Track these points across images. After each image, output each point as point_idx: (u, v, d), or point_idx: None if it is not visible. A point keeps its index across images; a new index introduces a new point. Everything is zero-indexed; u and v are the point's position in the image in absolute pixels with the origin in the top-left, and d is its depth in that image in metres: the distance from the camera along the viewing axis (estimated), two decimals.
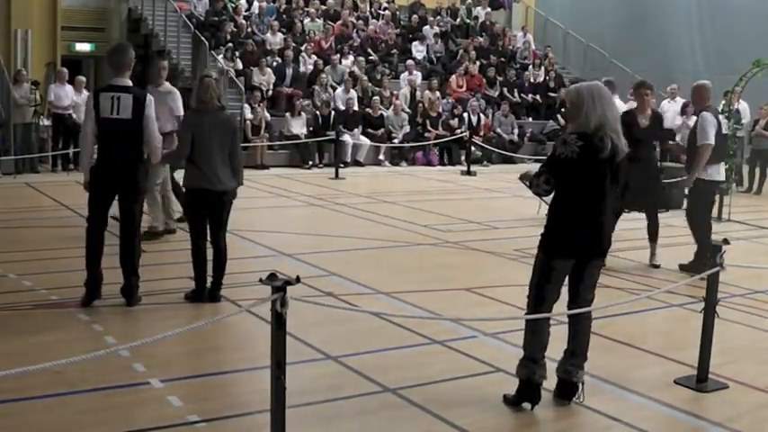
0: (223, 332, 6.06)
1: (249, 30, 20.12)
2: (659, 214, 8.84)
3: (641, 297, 6.71)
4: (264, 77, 18.36)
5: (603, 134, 4.58)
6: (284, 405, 3.78)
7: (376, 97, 18.73)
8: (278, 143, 17.23)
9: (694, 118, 15.73)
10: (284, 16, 21.40)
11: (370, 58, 20.81)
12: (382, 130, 18.33)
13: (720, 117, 8.78)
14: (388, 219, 11.14)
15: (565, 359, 4.91)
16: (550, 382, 4.89)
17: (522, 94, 21.26)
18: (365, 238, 9.79)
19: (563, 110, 17.03)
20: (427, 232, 10.28)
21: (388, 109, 18.83)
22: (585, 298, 4.88)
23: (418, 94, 19.66)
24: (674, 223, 11.87)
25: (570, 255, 4.74)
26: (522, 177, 5.05)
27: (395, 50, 21.52)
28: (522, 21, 26.01)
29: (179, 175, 7.87)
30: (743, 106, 15.53)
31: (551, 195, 4.77)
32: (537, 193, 4.79)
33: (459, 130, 18.50)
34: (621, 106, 10.86)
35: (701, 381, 5.23)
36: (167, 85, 9.29)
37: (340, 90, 18.54)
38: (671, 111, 16.74)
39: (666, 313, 6.96)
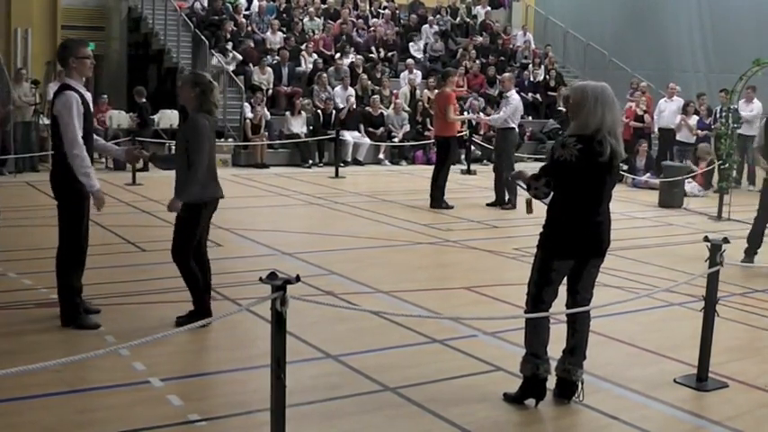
0: (223, 331, 6.05)
1: (249, 29, 20.11)
2: None
3: (641, 296, 6.71)
4: (265, 76, 18.34)
5: (602, 137, 4.58)
6: (284, 404, 3.77)
7: (376, 96, 18.71)
8: (278, 142, 17.23)
9: (695, 117, 15.84)
10: (284, 15, 21.40)
11: (370, 56, 20.80)
12: (382, 128, 18.31)
13: None
14: (388, 218, 11.14)
15: (564, 358, 4.91)
16: (550, 381, 4.89)
17: (522, 93, 21.22)
18: (365, 236, 9.78)
19: (568, 103, 16.94)
20: (427, 231, 10.28)
21: (388, 108, 18.82)
22: (584, 297, 4.89)
23: (418, 92, 19.65)
24: (674, 222, 11.90)
25: (569, 255, 4.75)
26: (516, 177, 5.02)
27: (394, 50, 21.52)
28: (523, 20, 25.98)
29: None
30: (756, 105, 15.49)
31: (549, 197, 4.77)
32: (536, 195, 4.77)
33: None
34: None
35: (700, 380, 5.24)
36: None
37: (339, 88, 18.55)
38: (668, 110, 16.78)
39: (666, 312, 6.96)
